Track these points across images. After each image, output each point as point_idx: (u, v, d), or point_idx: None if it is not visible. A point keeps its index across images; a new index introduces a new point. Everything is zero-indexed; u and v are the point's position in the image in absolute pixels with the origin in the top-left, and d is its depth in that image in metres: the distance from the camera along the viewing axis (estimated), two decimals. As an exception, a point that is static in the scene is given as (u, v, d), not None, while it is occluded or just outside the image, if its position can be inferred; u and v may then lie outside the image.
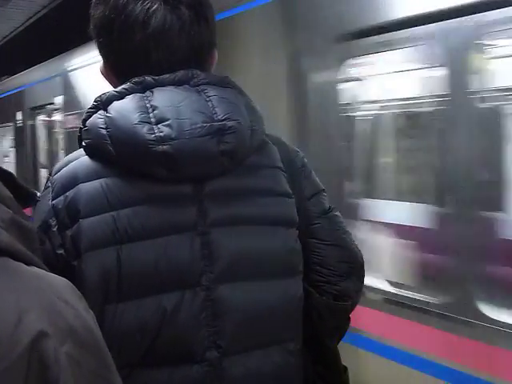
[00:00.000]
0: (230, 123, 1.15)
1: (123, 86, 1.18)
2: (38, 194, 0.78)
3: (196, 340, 1.13)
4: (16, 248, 0.66)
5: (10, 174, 0.79)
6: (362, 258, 1.35)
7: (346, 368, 1.41)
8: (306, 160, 1.34)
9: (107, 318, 1.10)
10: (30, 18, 11.13)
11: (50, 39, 9.54)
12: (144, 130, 1.11)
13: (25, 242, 0.69)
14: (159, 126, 1.11)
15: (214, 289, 1.14)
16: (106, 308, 1.10)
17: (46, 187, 1.20)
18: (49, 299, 0.64)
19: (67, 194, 1.14)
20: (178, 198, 1.15)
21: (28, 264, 0.67)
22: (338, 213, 1.35)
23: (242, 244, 1.17)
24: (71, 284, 0.70)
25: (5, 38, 13.03)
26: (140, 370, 1.12)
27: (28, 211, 0.92)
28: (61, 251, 1.12)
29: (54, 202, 1.15)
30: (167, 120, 1.12)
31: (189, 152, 1.12)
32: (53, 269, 1.07)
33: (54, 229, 1.14)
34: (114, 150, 1.12)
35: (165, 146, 1.10)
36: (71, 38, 7.29)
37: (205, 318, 1.14)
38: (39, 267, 0.69)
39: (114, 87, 1.21)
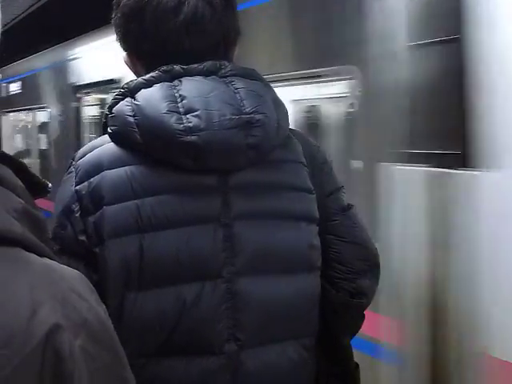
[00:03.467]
0: (257, 116, 1.14)
1: (151, 74, 1.17)
2: (50, 184, 0.78)
3: (215, 332, 1.13)
4: (29, 239, 0.65)
5: (21, 163, 0.78)
6: (379, 257, 1.35)
7: (357, 365, 1.41)
8: (327, 156, 1.34)
9: (127, 306, 1.09)
10: (32, 5, 11.06)
11: (52, 27, 9.47)
12: (172, 119, 1.10)
13: (36, 233, 0.68)
14: (188, 116, 1.11)
15: (235, 281, 1.14)
16: (127, 296, 1.10)
17: (69, 172, 1.19)
18: (62, 291, 0.63)
19: (91, 180, 1.13)
20: (203, 189, 1.15)
21: (40, 255, 0.66)
22: (356, 210, 1.35)
23: (264, 238, 1.17)
24: (83, 276, 0.69)
25: (6, 25, 12.95)
26: (156, 359, 1.12)
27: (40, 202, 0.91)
28: (82, 237, 1.12)
29: (77, 187, 1.15)
30: (196, 110, 1.11)
31: (217, 144, 1.12)
32: (74, 255, 1.09)
33: (77, 214, 1.13)
34: (142, 139, 1.12)
35: (193, 137, 1.10)
36: (74, 25, 7.23)
37: (225, 311, 1.13)
38: (51, 259, 0.68)
39: (138, 77, 1.20)
